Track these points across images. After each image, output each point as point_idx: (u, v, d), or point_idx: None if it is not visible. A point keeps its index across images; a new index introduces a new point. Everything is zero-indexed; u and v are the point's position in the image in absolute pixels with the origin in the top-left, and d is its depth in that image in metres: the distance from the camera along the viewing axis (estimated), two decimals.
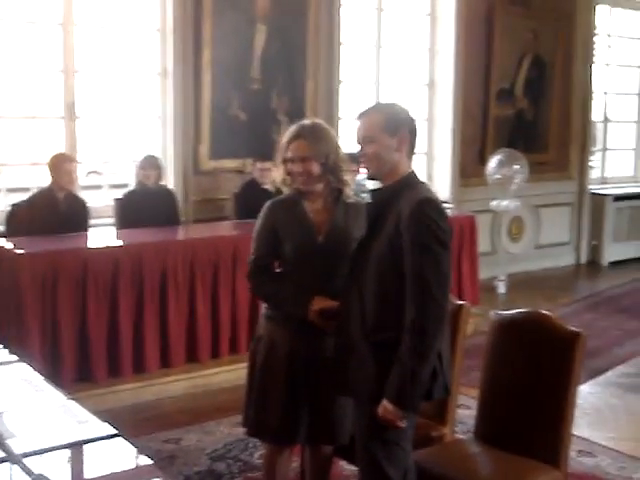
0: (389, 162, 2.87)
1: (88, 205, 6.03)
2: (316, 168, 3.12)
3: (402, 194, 2.81)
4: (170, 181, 6.72)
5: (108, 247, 5.38)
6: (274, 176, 3.41)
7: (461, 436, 4.15)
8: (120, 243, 5.61)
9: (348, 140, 7.65)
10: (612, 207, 10.03)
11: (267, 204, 3.24)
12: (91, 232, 5.92)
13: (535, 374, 3.32)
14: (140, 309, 5.25)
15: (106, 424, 2.31)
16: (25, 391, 2.66)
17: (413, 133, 2.90)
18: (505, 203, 8.03)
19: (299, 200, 3.18)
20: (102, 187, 6.86)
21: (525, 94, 9.11)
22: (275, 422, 3.15)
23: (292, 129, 3.20)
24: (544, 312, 3.46)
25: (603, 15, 9.93)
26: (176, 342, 5.42)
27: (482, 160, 8.47)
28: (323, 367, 3.06)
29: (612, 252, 10.13)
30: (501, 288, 7.92)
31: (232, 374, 5.54)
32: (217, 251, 5.56)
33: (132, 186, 6.39)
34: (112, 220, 6.32)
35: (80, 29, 6.46)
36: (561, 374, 3.25)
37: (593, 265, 10.09)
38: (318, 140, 3.13)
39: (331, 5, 7.45)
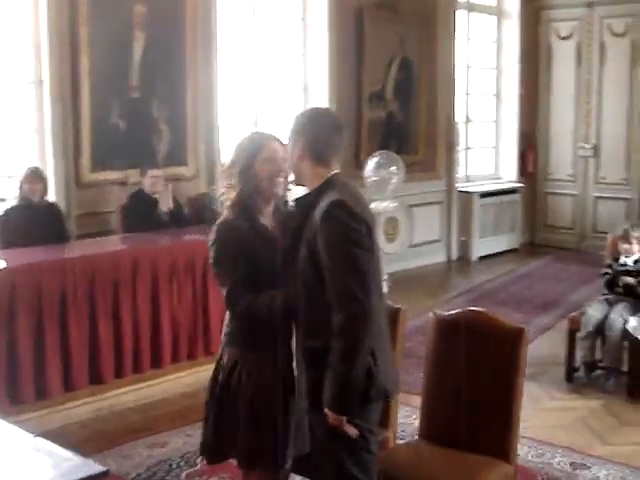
0: (296, 169, 2.94)
1: None
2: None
3: (321, 199, 2.81)
4: (51, 196, 6.40)
5: (4, 268, 5.07)
6: (223, 193, 3.18)
7: (400, 440, 4.15)
8: (16, 263, 5.27)
9: (228, 147, 7.62)
10: (478, 204, 10.41)
11: (225, 227, 3.04)
12: None
13: (479, 371, 3.38)
14: (40, 331, 4.97)
15: None
16: None
17: (317, 140, 2.88)
18: (384, 204, 8.17)
19: (254, 216, 3.06)
20: None
21: (395, 97, 9.30)
22: (273, 446, 3.00)
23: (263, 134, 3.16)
24: (483, 310, 3.53)
25: (462, 19, 10.28)
26: (78, 364, 5.17)
27: (357, 163, 8.56)
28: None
29: (480, 247, 10.51)
30: (384, 288, 8.02)
31: (138, 393, 5.41)
32: (116, 267, 5.35)
33: (13, 201, 6.04)
34: None
35: None
36: (506, 369, 3.33)
37: (463, 261, 10.43)
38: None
39: (207, 12, 7.34)
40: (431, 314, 3.60)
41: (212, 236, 3.06)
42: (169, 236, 6.26)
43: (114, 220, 6.66)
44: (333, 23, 8.48)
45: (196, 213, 6.97)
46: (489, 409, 3.34)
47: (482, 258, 10.48)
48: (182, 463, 4.45)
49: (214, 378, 3.10)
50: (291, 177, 3.06)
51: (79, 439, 4.82)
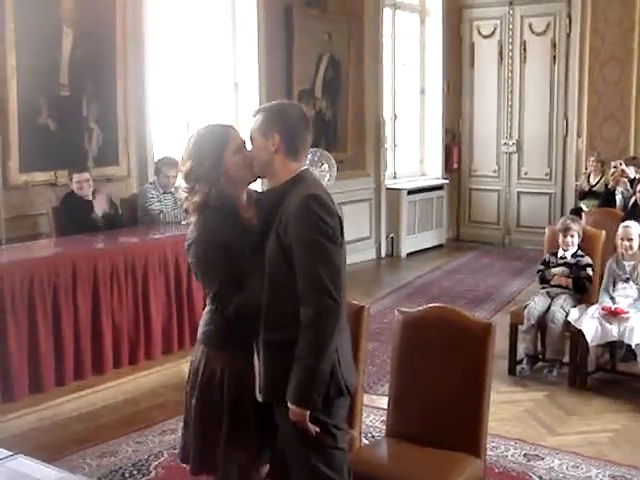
0: (267, 163, 2.86)
1: None
2: None
3: (290, 193, 2.78)
4: None
5: None
6: (187, 198, 3.00)
7: (365, 441, 4.13)
8: None
9: (161, 146, 7.48)
10: (406, 201, 10.50)
11: (203, 227, 2.92)
12: None
13: (447, 368, 3.38)
14: None
15: None
16: None
17: (291, 133, 2.83)
18: None
19: (235, 211, 2.96)
20: None
21: (324, 94, 9.30)
22: (254, 446, 2.95)
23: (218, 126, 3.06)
24: (449, 307, 3.53)
25: (388, 18, 10.34)
26: (17, 372, 4.96)
27: None
28: None
29: (408, 244, 10.60)
30: None
31: (80, 401, 5.24)
32: (55, 271, 5.15)
33: None
34: None
35: None
36: (474, 365, 3.34)
37: (393, 257, 10.50)
38: None
39: (137, 9, 7.15)
40: (397, 312, 3.58)
41: (189, 237, 2.96)
42: (106, 239, 6.09)
43: (44, 223, 6.44)
44: (262, 21, 8.42)
45: (130, 214, 6.82)
46: (458, 405, 3.34)
47: (410, 254, 10.58)
48: (135, 471, 4.33)
49: (194, 380, 3.00)
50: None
51: (22, 452, 4.62)
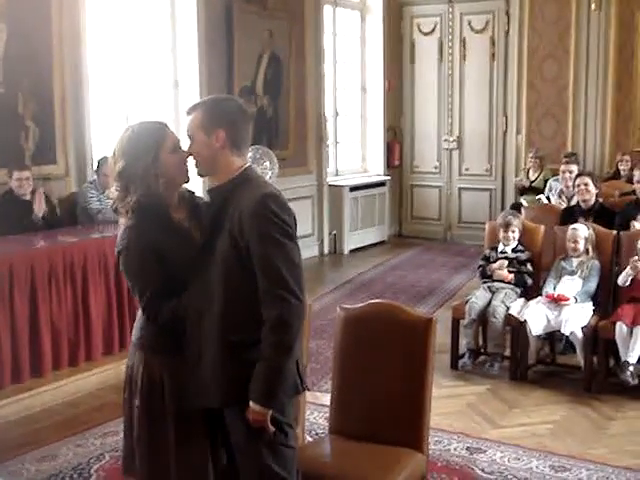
0: (212, 160, 2.81)
1: None
2: None
3: (239, 191, 2.75)
4: None
5: None
6: (117, 199, 2.87)
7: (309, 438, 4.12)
8: None
9: (98, 145, 7.36)
10: (348, 197, 10.52)
11: (133, 232, 2.82)
12: None
13: (389, 363, 3.39)
14: None
15: None
16: None
17: (235, 128, 2.80)
18: None
19: (164, 212, 2.87)
20: None
21: (265, 91, 9.25)
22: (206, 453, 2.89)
23: (152, 123, 2.93)
24: (391, 302, 3.54)
25: (328, 15, 10.35)
26: None
27: None
28: None
29: (351, 240, 10.62)
30: None
31: (18, 405, 5.13)
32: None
33: None
34: None
35: None
36: (416, 360, 3.35)
37: (335, 254, 10.51)
38: None
39: (74, 4, 7.02)
40: (338, 309, 3.58)
41: (120, 243, 2.85)
42: (45, 239, 5.97)
43: None
44: (202, 17, 8.34)
45: (68, 213, 6.70)
46: (399, 400, 3.35)
47: (352, 251, 10.61)
48: (75, 475, 4.25)
49: (133, 387, 2.91)
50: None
51: None
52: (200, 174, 2.90)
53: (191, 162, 2.88)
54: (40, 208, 6.16)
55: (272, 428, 2.72)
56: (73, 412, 5.14)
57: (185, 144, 2.88)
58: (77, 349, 5.59)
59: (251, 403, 2.68)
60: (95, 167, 6.90)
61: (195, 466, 2.87)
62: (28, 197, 6.20)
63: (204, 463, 2.87)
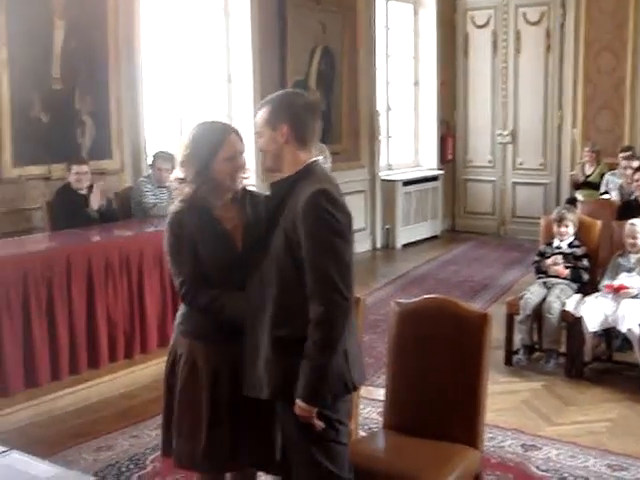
0: (278, 155, 2.82)
1: None
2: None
3: (299, 186, 2.74)
4: None
5: None
6: (176, 188, 3.03)
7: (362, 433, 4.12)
8: None
9: (153, 140, 7.45)
10: (401, 192, 10.47)
11: (174, 220, 2.95)
12: None
13: (444, 358, 3.36)
14: None
15: None
16: None
17: (299, 122, 2.80)
18: None
19: (208, 209, 2.95)
20: None
21: (318, 85, 9.26)
22: (205, 449, 2.91)
23: (220, 126, 3.00)
24: (446, 297, 3.51)
25: (381, 8, 10.30)
26: (12, 367, 4.93)
27: None
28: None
29: (403, 235, 10.58)
30: None
31: (76, 396, 5.22)
32: (49, 266, 5.11)
33: None
34: None
35: None
36: (472, 356, 3.32)
37: (388, 249, 10.48)
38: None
39: (129, 3, 7.11)
40: (392, 304, 3.56)
41: (165, 227, 2.98)
42: (101, 232, 6.06)
43: (38, 217, 6.41)
44: (255, 12, 8.37)
45: (123, 208, 6.78)
46: (455, 396, 3.33)
47: (405, 246, 10.56)
48: (131, 466, 4.31)
49: (171, 374, 3.03)
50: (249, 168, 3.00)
51: (18, 447, 4.60)
52: (268, 169, 2.92)
53: (250, 166, 2.94)
54: (97, 202, 6.25)
55: (321, 424, 2.72)
56: (129, 403, 5.22)
57: (249, 149, 2.96)
58: (133, 341, 5.65)
59: (297, 399, 2.70)
60: (150, 162, 6.96)
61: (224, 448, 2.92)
62: (84, 191, 6.28)
63: (235, 447, 2.93)
